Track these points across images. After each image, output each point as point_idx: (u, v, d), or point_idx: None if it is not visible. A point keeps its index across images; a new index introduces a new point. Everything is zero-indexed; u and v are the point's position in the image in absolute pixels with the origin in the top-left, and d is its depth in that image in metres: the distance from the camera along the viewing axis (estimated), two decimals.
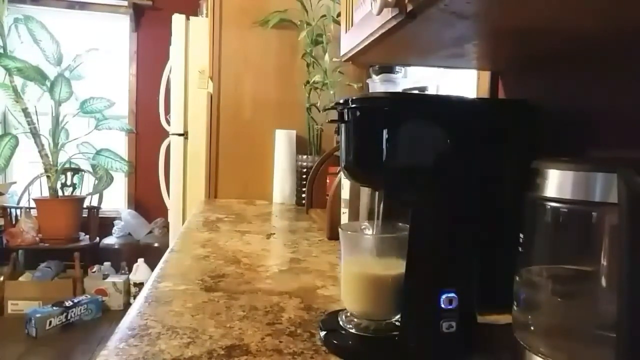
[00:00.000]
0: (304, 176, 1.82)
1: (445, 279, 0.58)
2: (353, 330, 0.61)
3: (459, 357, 0.59)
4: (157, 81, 3.17)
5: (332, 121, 0.70)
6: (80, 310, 3.20)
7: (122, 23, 4.27)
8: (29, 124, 3.58)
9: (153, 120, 3.33)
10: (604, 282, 0.47)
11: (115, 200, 4.23)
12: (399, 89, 1.52)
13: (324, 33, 1.82)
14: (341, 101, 0.64)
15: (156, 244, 3.79)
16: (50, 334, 3.00)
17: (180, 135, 2.80)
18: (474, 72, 1.16)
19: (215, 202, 1.96)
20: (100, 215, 3.87)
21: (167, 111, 2.95)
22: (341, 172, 0.92)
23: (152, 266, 3.20)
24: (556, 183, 0.48)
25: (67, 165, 3.71)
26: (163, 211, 3.50)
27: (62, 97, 3.61)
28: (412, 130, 0.59)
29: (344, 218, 1.12)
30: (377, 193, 0.65)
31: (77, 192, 3.81)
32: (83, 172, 3.84)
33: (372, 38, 0.81)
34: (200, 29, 2.64)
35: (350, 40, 0.96)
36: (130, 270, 3.62)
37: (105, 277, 3.58)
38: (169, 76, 2.93)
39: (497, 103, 0.93)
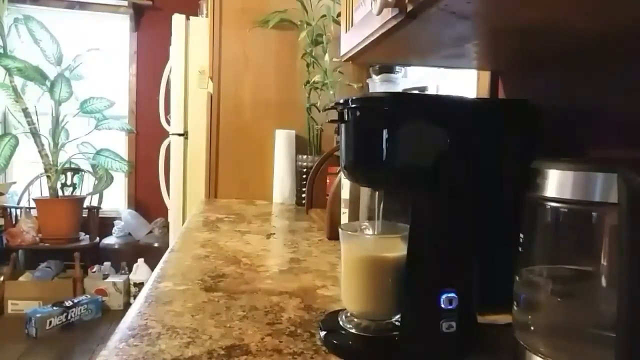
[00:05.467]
0: (304, 176, 1.82)
1: (445, 279, 0.58)
2: (353, 330, 0.61)
3: (459, 357, 0.59)
4: (157, 81, 3.17)
5: (332, 121, 0.70)
6: (80, 310, 3.20)
7: (122, 23, 4.27)
8: (29, 124, 3.58)
9: (153, 120, 3.33)
10: (604, 282, 0.47)
11: (115, 200, 4.23)
12: (399, 89, 1.52)
13: (324, 33, 1.82)
14: (341, 101, 0.64)
15: (156, 244, 3.79)
16: (50, 334, 3.00)
17: (180, 135, 2.80)
18: (474, 72, 1.15)
19: (215, 202, 1.96)
20: (100, 215, 3.87)
21: (167, 111, 2.95)
22: (341, 172, 0.92)
23: (152, 266, 3.20)
24: (556, 183, 0.48)
25: (67, 165, 3.71)
26: (163, 211, 3.50)
27: (62, 97, 3.61)
28: (412, 130, 0.59)
29: (344, 218, 1.12)
30: (377, 193, 0.65)
31: (77, 192, 3.81)
32: (83, 172, 3.84)
33: (372, 38, 0.81)
34: (200, 29, 2.64)
35: (350, 40, 0.96)
36: (130, 270, 3.62)
37: (105, 277, 3.58)
38: (169, 76, 2.93)
39: (497, 103, 0.93)
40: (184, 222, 2.59)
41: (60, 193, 3.68)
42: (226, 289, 0.82)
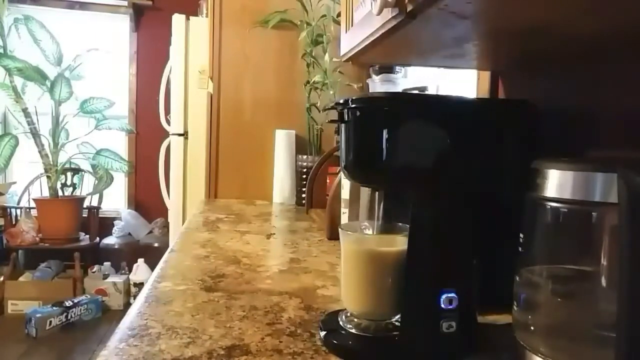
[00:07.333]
0: (304, 176, 1.82)
1: (445, 279, 0.58)
2: (353, 330, 0.61)
3: (459, 357, 0.59)
4: (157, 81, 3.17)
5: (332, 121, 0.71)
6: (80, 310, 3.20)
7: (122, 23, 4.27)
8: (29, 124, 3.58)
9: (153, 120, 3.33)
10: (604, 282, 0.47)
11: (115, 200, 4.22)
12: (399, 89, 1.52)
13: (324, 33, 1.82)
14: (341, 101, 0.64)
15: (156, 244, 3.79)
16: (50, 334, 3.00)
17: (180, 135, 2.80)
18: (474, 72, 1.15)
19: (215, 202, 1.96)
20: (100, 215, 3.87)
21: (167, 111, 2.95)
22: (341, 172, 0.92)
23: (152, 266, 3.20)
24: (556, 183, 0.48)
25: (67, 165, 3.71)
26: (163, 211, 3.50)
27: (62, 97, 3.61)
28: (412, 130, 0.59)
29: (344, 218, 1.12)
30: (377, 193, 0.65)
31: (77, 192, 3.81)
32: (83, 172, 3.83)
33: (372, 38, 0.81)
34: (200, 29, 2.64)
35: (350, 40, 0.96)
36: (130, 270, 3.62)
37: (105, 277, 3.58)
38: (169, 76, 2.93)
39: (497, 103, 0.93)
40: (184, 222, 2.59)
41: (60, 193, 3.68)
42: (226, 289, 0.82)
